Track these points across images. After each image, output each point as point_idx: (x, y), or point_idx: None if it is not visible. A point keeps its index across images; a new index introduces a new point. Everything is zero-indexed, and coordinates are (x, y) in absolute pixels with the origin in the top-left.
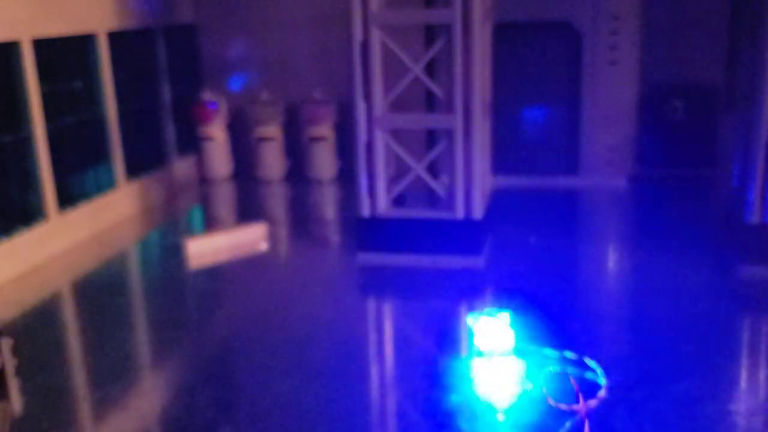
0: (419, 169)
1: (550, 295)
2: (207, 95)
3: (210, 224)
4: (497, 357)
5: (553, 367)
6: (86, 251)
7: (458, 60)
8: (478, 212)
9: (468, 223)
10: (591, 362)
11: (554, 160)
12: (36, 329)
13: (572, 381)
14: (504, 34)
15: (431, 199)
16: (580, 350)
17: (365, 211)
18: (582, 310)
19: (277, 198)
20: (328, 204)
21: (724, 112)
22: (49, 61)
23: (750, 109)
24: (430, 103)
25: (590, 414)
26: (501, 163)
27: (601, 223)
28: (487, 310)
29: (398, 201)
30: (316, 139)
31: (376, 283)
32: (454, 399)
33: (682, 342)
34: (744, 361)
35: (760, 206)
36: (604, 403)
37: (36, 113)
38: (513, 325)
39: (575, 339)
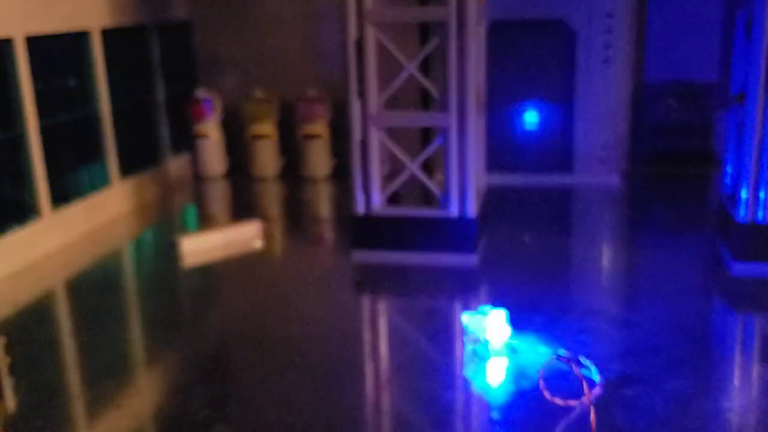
0: (414, 167)
1: (543, 293)
2: (201, 93)
3: (204, 222)
4: (492, 354)
5: (554, 360)
6: (80, 249)
7: (453, 58)
8: (472, 210)
9: (462, 220)
10: (584, 360)
11: (548, 157)
12: (30, 327)
13: (576, 370)
14: (499, 31)
15: (426, 197)
16: (574, 347)
17: (360, 208)
18: (575, 307)
19: (271, 196)
20: (322, 202)
21: (717, 110)
22: (43, 58)
23: (743, 107)
24: (425, 101)
25: (595, 403)
26: (495, 161)
27: (595, 221)
28: (481, 307)
29: (393, 199)
30: (310, 137)
31: (371, 280)
32: (450, 396)
33: (675, 339)
34: (736, 359)
35: (752, 205)
36: (597, 400)
37: (29, 111)
38: (507, 322)
39: (569, 336)
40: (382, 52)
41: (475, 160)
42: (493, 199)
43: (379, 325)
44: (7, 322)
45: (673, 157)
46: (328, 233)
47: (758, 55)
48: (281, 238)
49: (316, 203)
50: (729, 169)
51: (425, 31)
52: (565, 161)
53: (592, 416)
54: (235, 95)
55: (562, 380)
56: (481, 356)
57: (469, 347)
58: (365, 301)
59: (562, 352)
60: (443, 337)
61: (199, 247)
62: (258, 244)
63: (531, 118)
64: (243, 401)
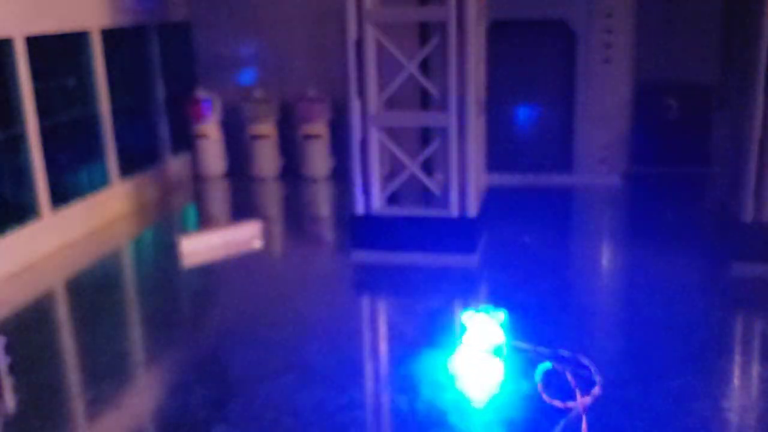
0: (414, 167)
1: (544, 293)
2: (201, 93)
3: (204, 222)
4: (491, 354)
5: (549, 364)
6: (80, 249)
7: (452, 58)
8: (472, 210)
9: (462, 221)
10: (585, 360)
11: (548, 157)
12: (29, 328)
13: (569, 377)
14: (499, 32)
15: (425, 197)
16: (574, 348)
17: (359, 208)
18: (576, 307)
19: (271, 196)
20: (322, 202)
21: (717, 110)
22: (42, 58)
23: (742, 107)
24: (425, 101)
25: (587, 409)
26: (495, 161)
27: (595, 221)
28: (481, 307)
29: (392, 199)
30: (310, 137)
31: (370, 280)
32: (448, 396)
33: (676, 339)
34: (737, 358)
35: (753, 204)
36: (598, 400)
37: (29, 111)
38: (507, 322)
39: (569, 336)
40: (382, 51)
41: (475, 160)
42: (493, 199)
43: (379, 325)
44: (7, 322)
45: (673, 157)
46: (328, 233)
47: (757, 54)
48: (281, 238)
49: (316, 203)
50: (729, 169)
51: (425, 30)
52: (565, 161)
53: (584, 425)
54: (236, 95)
55: (561, 381)
56: (481, 356)
57: (468, 347)
58: (365, 301)
59: (562, 352)
60: (442, 337)
61: (199, 247)
62: (258, 244)
63: (531, 117)
64: (243, 401)
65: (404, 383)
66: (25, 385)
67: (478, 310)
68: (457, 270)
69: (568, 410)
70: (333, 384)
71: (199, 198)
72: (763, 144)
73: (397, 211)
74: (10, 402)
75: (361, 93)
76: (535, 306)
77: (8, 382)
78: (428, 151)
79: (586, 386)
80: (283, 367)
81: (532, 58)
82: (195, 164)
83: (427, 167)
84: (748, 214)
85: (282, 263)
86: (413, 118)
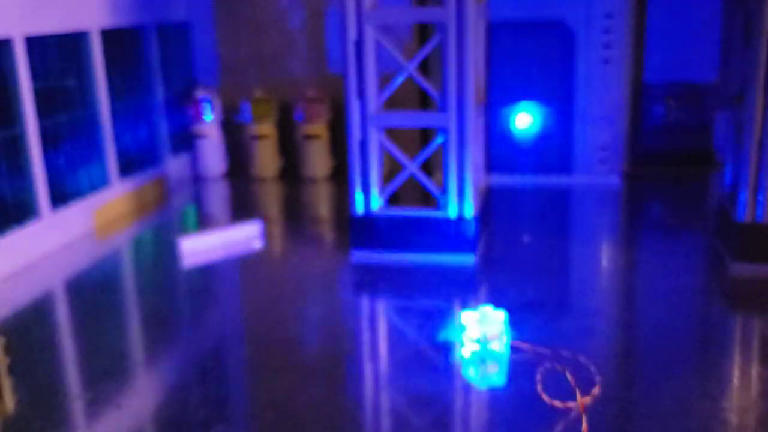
0: (413, 167)
1: (543, 293)
2: (201, 93)
3: (204, 222)
4: (491, 355)
5: (548, 365)
6: (79, 249)
7: (452, 58)
8: (471, 211)
9: (461, 221)
10: (584, 360)
11: (548, 158)
12: (29, 328)
13: (569, 377)
14: (499, 31)
15: (425, 197)
16: (574, 348)
17: (359, 209)
18: (575, 307)
19: (271, 196)
20: (321, 202)
21: (717, 111)
22: (42, 58)
23: (742, 108)
24: (424, 101)
25: (587, 409)
26: (495, 161)
27: (595, 222)
28: (480, 308)
29: (392, 199)
30: (310, 137)
31: (370, 280)
32: (449, 396)
33: (675, 339)
34: (736, 359)
35: (752, 205)
36: (596, 400)
37: (29, 111)
38: (506, 323)
39: (569, 336)
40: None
41: (474, 161)
42: (493, 199)
43: (379, 325)
44: (7, 322)
45: (673, 157)
46: (328, 233)
47: (757, 55)
48: (281, 238)
49: (316, 203)
50: (729, 169)
51: (424, 31)
52: (564, 162)
53: (584, 424)
54: (236, 95)
55: (561, 382)
56: (480, 357)
57: (468, 348)
58: (365, 301)
59: (561, 352)
60: (442, 337)
61: (199, 247)
62: (258, 244)
63: (530, 118)
64: (243, 401)
65: (404, 383)
66: (25, 385)
67: (477, 310)
68: (456, 270)
69: (568, 410)
70: (334, 384)
71: (199, 198)
72: (762, 144)
73: (396, 211)
74: (10, 402)
75: (361, 93)
76: (535, 306)
77: (8, 383)
78: (428, 152)
79: (586, 386)
80: (284, 366)
81: (532, 58)
82: (195, 164)
83: (427, 167)
84: (747, 214)
85: (282, 263)
86: (412, 119)
